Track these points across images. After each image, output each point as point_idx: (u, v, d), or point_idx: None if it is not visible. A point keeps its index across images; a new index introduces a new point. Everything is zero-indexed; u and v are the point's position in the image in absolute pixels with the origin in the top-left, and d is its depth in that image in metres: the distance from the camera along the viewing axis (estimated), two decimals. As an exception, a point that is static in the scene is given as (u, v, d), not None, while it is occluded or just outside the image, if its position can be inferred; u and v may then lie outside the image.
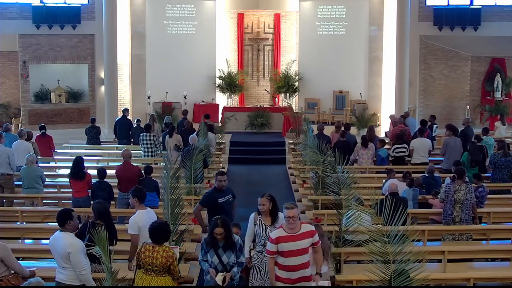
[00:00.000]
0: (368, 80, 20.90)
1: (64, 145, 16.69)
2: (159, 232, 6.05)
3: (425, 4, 19.91)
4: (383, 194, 9.48)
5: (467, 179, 9.25)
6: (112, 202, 10.18)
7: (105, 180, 9.97)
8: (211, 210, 8.05)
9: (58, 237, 6.15)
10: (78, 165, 10.13)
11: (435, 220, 9.67)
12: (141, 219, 6.91)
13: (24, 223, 9.84)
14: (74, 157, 10.65)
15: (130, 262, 6.98)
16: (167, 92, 19.97)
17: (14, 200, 11.25)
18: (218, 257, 6.21)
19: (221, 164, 15.50)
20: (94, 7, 19.51)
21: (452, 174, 9.55)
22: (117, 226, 9.23)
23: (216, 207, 7.93)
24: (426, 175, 10.86)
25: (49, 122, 18.46)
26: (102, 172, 9.93)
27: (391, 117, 16.52)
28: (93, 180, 10.17)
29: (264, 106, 20.67)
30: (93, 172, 10.48)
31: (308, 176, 12.22)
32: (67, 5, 19.30)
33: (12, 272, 6.20)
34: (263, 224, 6.85)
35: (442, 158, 13.12)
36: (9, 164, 11.35)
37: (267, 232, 6.74)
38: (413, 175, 10.65)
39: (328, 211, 9.12)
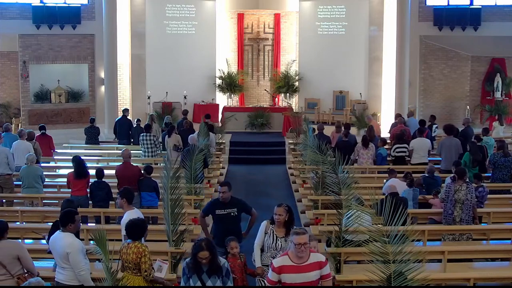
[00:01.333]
0: (368, 80, 20.91)
1: (64, 145, 16.70)
2: (132, 228, 6.04)
3: (425, 4, 19.93)
4: (384, 194, 9.47)
5: (467, 179, 9.24)
6: (112, 202, 10.19)
7: (104, 180, 9.96)
8: (214, 221, 7.72)
9: (58, 237, 6.17)
10: (80, 165, 10.11)
11: (434, 220, 9.67)
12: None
13: (24, 223, 9.84)
14: (76, 155, 10.66)
15: None
16: (167, 92, 19.97)
17: (14, 200, 11.25)
18: (202, 283, 5.50)
19: (221, 164, 15.50)
20: (94, 7, 19.52)
21: (453, 174, 9.54)
22: (117, 226, 9.27)
23: (216, 219, 7.62)
24: (426, 175, 10.86)
25: (49, 122, 18.47)
26: (99, 172, 9.93)
27: (368, 118, 16.55)
28: (91, 180, 10.17)
29: (264, 106, 20.67)
30: (93, 172, 10.47)
31: (308, 176, 12.21)
32: (67, 5, 19.31)
33: (26, 271, 6.22)
34: (275, 235, 6.55)
35: (441, 159, 13.12)
36: (8, 164, 11.35)
37: (277, 244, 6.51)
38: (413, 175, 10.63)
39: (328, 211, 9.11)
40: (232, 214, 7.47)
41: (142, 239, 6.32)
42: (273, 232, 6.55)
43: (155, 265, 6.35)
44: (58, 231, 6.25)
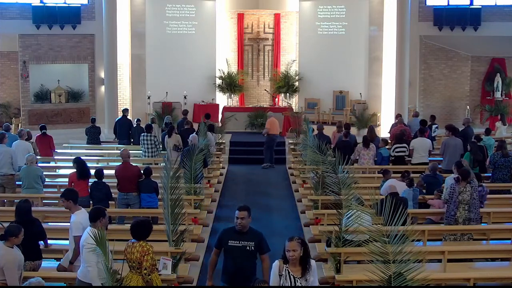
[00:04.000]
0: (368, 80, 20.90)
1: (64, 145, 16.69)
2: (137, 228, 6.08)
3: (425, 4, 19.93)
4: (381, 195, 9.46)
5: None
6: (112, 202, 10.19)
7: (104, 180, 9.95)
8: (224, 254, 6.27)
9: (85, 231, 6.29)
10: (83, 166, 10.09)
11: (431, 220, 9.68)
12: (83, 219, 6.87)
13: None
14: (73, 158, 10.63)
15: (72, 264, 6.95)
16: (167, 92, 19.97)
17: (15, 200, 11.23)
18: None
19: (221, 164, 15.51)
20: (94, 7, 19.53)
21: (456, 176, 9.47)
22: (117, 226, 9.27)
23: (227, 251, 6.21)
24: (428, 173, 10.86)
25: (49, 122, 18.45)
26: (99, 172, 9.92)
27: (269, 116, 16.57)
28: (91, 180, 10.16)
29: (264, 106, 20.66)
30: (92, 172, 10.46)
31: (308, 176, 12.22)
32: (67, 5, 19.32)
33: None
34: (291, 276, 5.53)
35: (442, 158, 13.11)
36: (11, 164, 11.37)
37: (296, 286, 5.54)
38: (413, 175, 10.63)
39: (328, 211, 9.11)
40: (248, 248, 6.09)
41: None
42: (288, 273, 5.54)
43: (160, 263, 6.34)
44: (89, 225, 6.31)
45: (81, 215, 6.97)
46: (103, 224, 6.24)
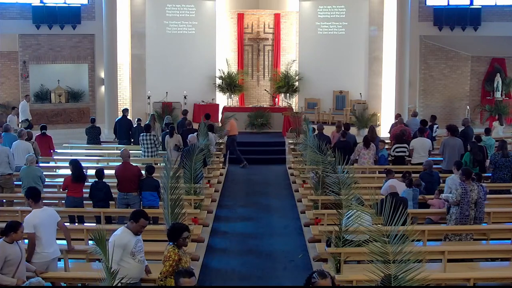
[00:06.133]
0: (368, 80, 20.90)
1: (64, 145, 16.69)
2: (167, 231, 6.24)
3: (425, 4, 19.94)
4: (382, 195, 9.46)
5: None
6: (112, 202, 10.19)
7: (104, 180, 9.95)
8: None
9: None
10: (79, 169, 10.04)
11: (431, 220, 9.67)
12: (36, 217, 6.90)
13: (24, 223, 9.80)
14: (73, 158, 10.63)
15: (28, 262, 6.88)
16: (167, 92, 19.97)
17: (14, 200, 11.23)
18: None
19: (221, 164, 15.50)
20: (94, 7, 19.54)
21: (463, 176, 9.39)
22: (117, 226, 9.25)
23: None
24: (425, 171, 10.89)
25: (49, 122, 18.45)
26: (99, 172, 9.92)
27: (228, 119, 16.90)
28: (91, 180, 10.15)
29: (264, 106, 20.68)
30: (93, 172, 10.46)
31: (308, 176, 12.22)
32: (67, 5, 19.33)
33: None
34: None
35: (442, 158, 13.12)
36: (8, 164, 11.34)
37: None
38: (413, 175, 10.63)
39: (328, 211, 9.11)
40: None
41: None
42: None
43: None
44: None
45: (35, 214, 6.96)
46: (141, 225, 6.28)
